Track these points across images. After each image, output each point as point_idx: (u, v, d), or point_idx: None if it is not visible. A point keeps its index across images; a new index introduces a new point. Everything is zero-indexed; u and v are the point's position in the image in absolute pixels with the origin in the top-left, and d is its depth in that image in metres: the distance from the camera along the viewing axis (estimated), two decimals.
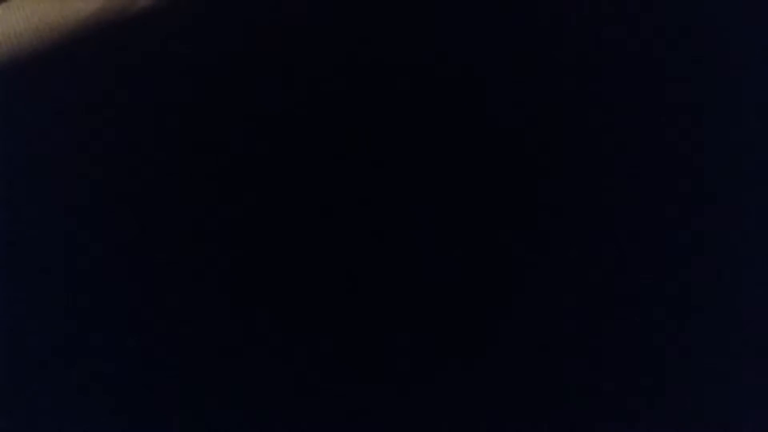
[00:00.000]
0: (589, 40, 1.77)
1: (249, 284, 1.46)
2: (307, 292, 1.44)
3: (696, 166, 1.58)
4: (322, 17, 1.81)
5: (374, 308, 1.41)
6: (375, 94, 1.70)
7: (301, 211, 1.55)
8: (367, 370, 1.34)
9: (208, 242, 1.51)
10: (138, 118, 1.66)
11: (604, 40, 1.76)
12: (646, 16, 1.80)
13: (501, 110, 1.66)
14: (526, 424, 1.29)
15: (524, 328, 1.38)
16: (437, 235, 1.50)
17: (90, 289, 1.45)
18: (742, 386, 1.31)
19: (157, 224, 1.54)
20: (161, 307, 1.42)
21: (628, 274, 1.43)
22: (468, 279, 1.44)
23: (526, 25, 1.80)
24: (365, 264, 1.47)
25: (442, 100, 1.68)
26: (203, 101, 1.68)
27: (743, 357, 1.33)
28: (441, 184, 1.57)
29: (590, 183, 1.56)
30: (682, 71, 1.72)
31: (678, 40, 1.76)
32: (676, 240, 1.47)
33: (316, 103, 1.69)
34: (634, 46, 1.75)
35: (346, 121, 1.66)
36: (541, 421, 1.29)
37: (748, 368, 1.32)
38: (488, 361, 1.34)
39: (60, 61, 1.72)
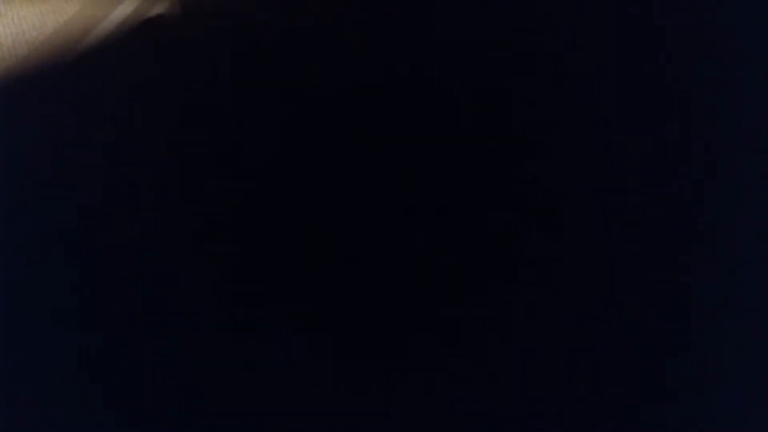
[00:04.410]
0: (591, 41, 1.77)
1: (250, 284, 1.46)
2: (307, 293, 1.44)
3: (697, 166, 1.58)
4: (326, 23, 1.81)
5: (375, 308, 1.42)
6: (375, 98, 1.70)
7: (303, 212, 1.55)
8: (366, 369, 1.35)
9: (213, 243, 1.51)
10: (131, 120, 1.66)
11: (606, 42, 1.77)
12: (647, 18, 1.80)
13: (501, 111, 1.67)
14: (527, 423, 1.29)
15: (526, 328, 1.38)
16: (439, 235, 1.50)
17: (91, 291, 1.46)
18: (742, 386, 1.31)
19: (157, 225, 1.54)
20: (167, 308, 1.42)
21: (631, 275, 1.44)
22: (469, 279, 1.45)
23: (527, 27, 1.80)
24: (364, 265, 1.47)
25: (444, 102, 1.69)
26: (190, 101, 1.68)
27: (743, 357, 1.34)
28: (441, 184, 1.57)
29: (591, 183, 1.57)
30: (684, 72, 1.72)
31: (679, 41, 1.77)
32: (678, 240, 1.48)
33: (320, 107, 1.69)
34: (635, 49, 1.75)
35: (349, 122, 1.66)
36: (541, 419, 1.29)
37: (748, 368, 1.33)
38: (489, 362, 1.34)
39: (52, 59, 1.72)
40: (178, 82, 1.73)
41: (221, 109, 1.69)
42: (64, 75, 1.70)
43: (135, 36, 1.76)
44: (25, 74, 1.64)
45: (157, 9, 1.81)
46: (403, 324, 1.39)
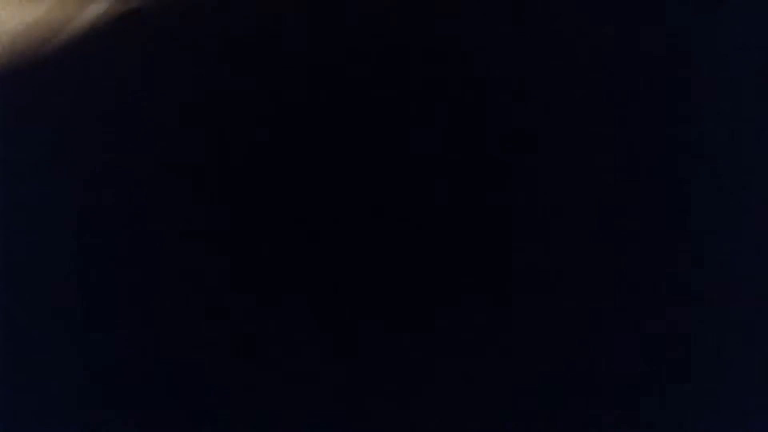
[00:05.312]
0: (594, 40, 1.77)
1: (252, 284, 1.46)
2: (308, 291, 1.44)
3: (698, 166, 1.58)
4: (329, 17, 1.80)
5: (375, 307, 1.42)
6: (379, 90, 1.70)
7: (304, 210, 1.54)
8: (365, 369, 1.35)
9: (213, 241, 1.51)
10: (107, 118, 1.64)
11: (608, 40, 1.77)
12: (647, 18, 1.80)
13: (505, 109, 1.66)
14: (526, 424, 1.29)
15: (525, 329, 1.38)
16: (439, 235, 1.50)
17: (92, 291, 1.45)
18: (742, 387, 1.31)
19: (154, 223, 1.54)
20: (165, 307, 1.42)
21: (632, 274, 1.44)
22: (468, 279, 1.45)
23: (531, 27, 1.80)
24: (365, 263, 1.47)
25: (446, 99, 1.68)
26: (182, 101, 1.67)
27: (744, 357, 1.34)
28: (442, 183, 1.57)
29: (592, 183, 1.57)
30: (684, 72, 1.72)
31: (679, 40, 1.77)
32: (679, 241, 1.48)
33: (309, 105, 1.68)
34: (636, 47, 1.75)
35: (350, 120, 1.66)
36: (540, 421, 1.29)
37: (749, 368, 1.33)
38: (488, 362, 1.34)
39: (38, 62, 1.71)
40: (155, 80, 1.71)
41: (202, 106, 1.67)
42: (39, 73, 1.68)
43: (109, 33, 1.74)
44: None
45: (131, 5, 1.78)
46: (403, 325, 1.39)
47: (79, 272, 1.48)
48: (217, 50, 1.75)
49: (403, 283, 1.45)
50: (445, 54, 1.76)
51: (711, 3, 1.83)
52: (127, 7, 1.75)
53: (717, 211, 1.52)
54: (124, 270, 1.48)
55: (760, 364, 1.33)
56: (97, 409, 1.32)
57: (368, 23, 1.79)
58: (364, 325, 1.40)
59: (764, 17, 1.78)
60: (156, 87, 1.67)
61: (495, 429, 1.28)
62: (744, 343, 1.36)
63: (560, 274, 1.45)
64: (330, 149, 1.61)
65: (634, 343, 1.36)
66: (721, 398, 1.30)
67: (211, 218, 1.55)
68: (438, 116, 1.67)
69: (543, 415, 1.30)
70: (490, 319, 1.39)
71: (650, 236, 1.49)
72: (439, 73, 1.73)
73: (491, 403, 1.30)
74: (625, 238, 1.49)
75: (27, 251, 1.51)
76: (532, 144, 1.63)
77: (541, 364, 1.34)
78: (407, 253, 1.48)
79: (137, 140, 1.64)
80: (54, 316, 1.42)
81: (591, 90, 1.71)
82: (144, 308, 1.43)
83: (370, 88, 1.70)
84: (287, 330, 1.40)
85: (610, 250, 1.48)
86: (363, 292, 1.44)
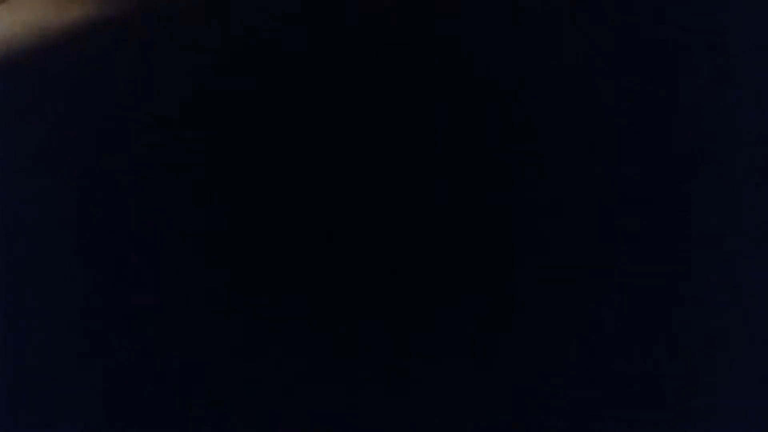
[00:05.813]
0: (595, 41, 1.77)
1: (253, 282, 1.46)
2: (308, 292, 1.44)
3: (697, 167, 1.58)
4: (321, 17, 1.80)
5: (375, 307, 1.42)
6: (375, 91, 1.70)
7: (304, 210, 1.54)
8: (365, 369, 1.34)
9: (214, 241, 1.51)
10: (109, 121, 1.65)
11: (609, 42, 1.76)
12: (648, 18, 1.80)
13: (505, 109, 1.66)
14: (526, 424, 1.29)
15: (526, 329, 1.38)
16: (440, 234, 1.50)
17: (91, 290, 1.45)
18: (741, 387, 1.31)
19: (154, 223, 1.54)
20: (165, 306, 1.42)
21: (633, 274, 1.43)
22: (468, 279, 1.44)
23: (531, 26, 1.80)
24: (365, 263, 1.47)
25: (446, 99, 1.68)
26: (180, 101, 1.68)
27: (743, 357, 1.33)
28: (442, 183, 1.57)
29: (593, 183, 1.57)
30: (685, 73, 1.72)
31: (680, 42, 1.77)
32: (680, 240, 1.48)
33: (313, 105, 1.68)
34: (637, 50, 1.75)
35: (349, 119, 1.66)
36: (540, 421, 1.29)
37: (748, 368, 1.32)
38: (488, 362, 1.34)
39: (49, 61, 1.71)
40: (155, 80, 1.72)
41: (202, 106, 1.68)
42: (38, 72, 1.69)
43: (109, 33, 1.74)
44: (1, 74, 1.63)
45: (134, 9, 1.78)
46: (403, 325, 1.39)
47: (78, 272, 1.49)
48: (217, 50, 1.75)
49: (404, 283, 1.45)
50: (445, 54, 1.76)
51: (711, 3, 1.83)
52: (126, 7, 1.76)
53: (717, 210, 1.52)
54: (123, 270, 1.48)
55: (760, 364, 1.33)
56: (98, 409, 1.32)
57: (368, 23, 1.79)
58: (364, 325, 1.40)
59: (764, 17, 1.78)
60: (156, 87, 1.68)
61: (495, 429, 1.28)
62: (744, 343, 1.36)
63: (561, 274, 1.45)
64: (329, 149, 1.61)
65: (634, 343, 1.35)
66: (721, 398, 1.30)
67: (212, 218, 1.55)
68: (438, 116, 1.67)
69: (543, 415, 1.30)
70: (491, 319, 1.39)
71: (651, 236, 1.49)
72: (439, 73, 1.73)
73: (492, 403, 1.30)
74: (625, 238, 1.49)
75: (27, 251, 1.51)
76: (533, 144, 1.63)
77: (542, 364, 1.34)
78: (407, 253, 1.48)
79: (137, 140, 1.64)
80: (54, 315, 1.42)
81: (591, 90, 1.71)
82: (144, 308, 1.43)
83: (370, 88, 1.70)
84: (287, 330, 1.39)
85: (611, 249, 1.48)
86: (363, 292, 1.44)
